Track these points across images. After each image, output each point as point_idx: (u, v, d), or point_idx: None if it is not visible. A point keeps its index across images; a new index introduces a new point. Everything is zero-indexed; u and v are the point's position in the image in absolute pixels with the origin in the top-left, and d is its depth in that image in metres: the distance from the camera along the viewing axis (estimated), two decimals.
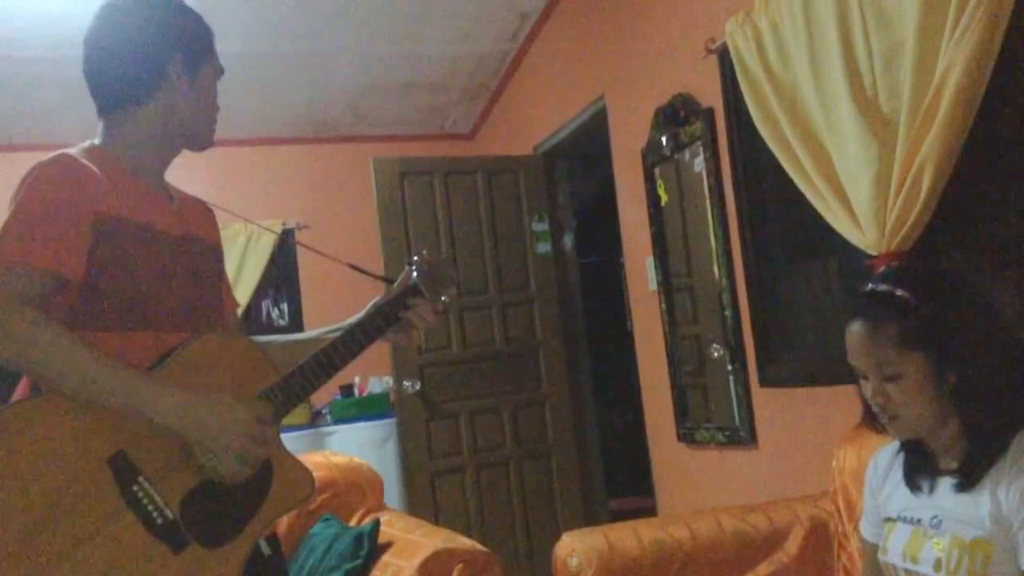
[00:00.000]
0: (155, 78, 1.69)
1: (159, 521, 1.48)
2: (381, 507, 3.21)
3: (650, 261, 3.78)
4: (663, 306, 3.70)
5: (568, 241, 4.98)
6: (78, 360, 1.45)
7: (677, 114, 3.48)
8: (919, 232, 2.31)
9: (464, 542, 2.61)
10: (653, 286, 3.78)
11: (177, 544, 1.49)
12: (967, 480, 1.56)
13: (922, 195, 2.24)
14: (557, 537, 2.45)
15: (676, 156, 3.55)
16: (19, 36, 4.07)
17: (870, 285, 1.67)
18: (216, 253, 1.85)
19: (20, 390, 1.59)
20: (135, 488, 1.47)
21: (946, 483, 1.61)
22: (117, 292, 1.58)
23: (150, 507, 1.48)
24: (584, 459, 4.85)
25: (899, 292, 1.58)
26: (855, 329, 1.63)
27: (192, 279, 1.73)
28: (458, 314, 4.62)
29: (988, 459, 1.54)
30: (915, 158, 2.24)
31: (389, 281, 1.92)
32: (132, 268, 1.60)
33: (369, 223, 4.64)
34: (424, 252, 1.95)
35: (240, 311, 1.95)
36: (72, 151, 1.63)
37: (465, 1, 4.45)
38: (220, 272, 1.87)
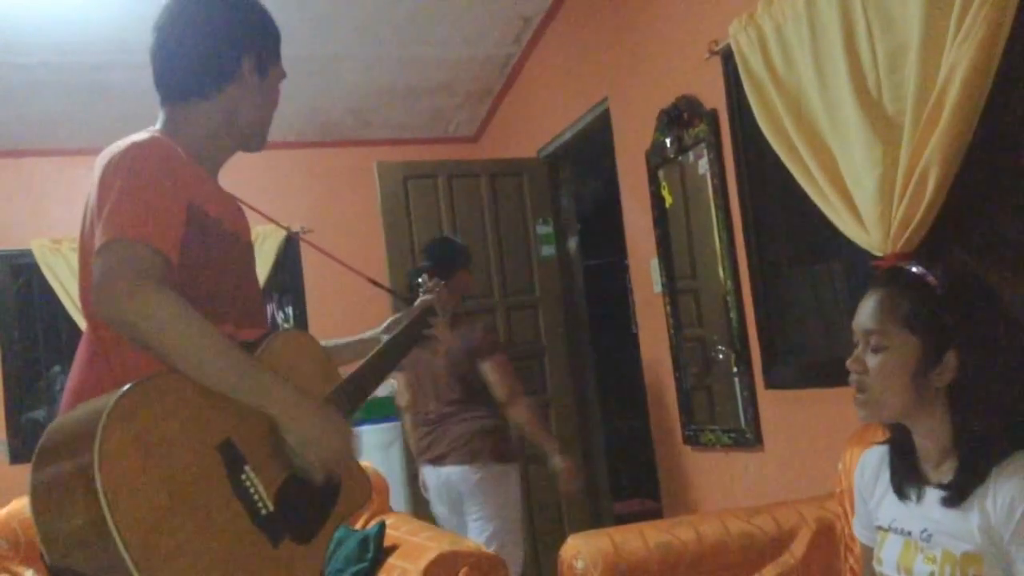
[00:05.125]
0: (228, 74, 1.69)
1: (263, 512, 1.45)
2: (386, 510, 3.21)
3: (654, 263, 3.78)
4: (668, 308, 3.70)
5: (572, 244, 4.97)
6: (204, 337, 1.43)
7: (681, 116, 3.47)
8: (924, 233, 2.31)
9: (469, 545, 2.60)
10: (658, 288, 3.78)
11: (275, 537, 1.47)
12: (956, 496, 1.53)
13: (927, 196, 2.24)
14: (563, 540, 2.45)
15: (680, 158, 3.54)
16: (21, 42, 4.06)
17: (903, 264, 1.68)
18: (252, 251, 1.86)
19: (82, 376, 1.55)
20: (243, 477, 1.44)
21: (935, 493, 1.59)
22: (203, 282, 1.58)
23: (256, 497, 1.45)
24: (589, 462, 4.83)
25: (929, 278, 1.58)
26: (871, 295, 1.63)
27: (251, 274, 1.77)
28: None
29: (979, 476, 1.51)
30: (920, 159, 2.24)
31: (406, 300, 2.06)
32: (212, 259, 1.60)
33: (373, 227, 4.64)
34: (425, 276, 2.20)
35: None
36: (157, 135, 1.62)
37: (468, 5, 4.45)
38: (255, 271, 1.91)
